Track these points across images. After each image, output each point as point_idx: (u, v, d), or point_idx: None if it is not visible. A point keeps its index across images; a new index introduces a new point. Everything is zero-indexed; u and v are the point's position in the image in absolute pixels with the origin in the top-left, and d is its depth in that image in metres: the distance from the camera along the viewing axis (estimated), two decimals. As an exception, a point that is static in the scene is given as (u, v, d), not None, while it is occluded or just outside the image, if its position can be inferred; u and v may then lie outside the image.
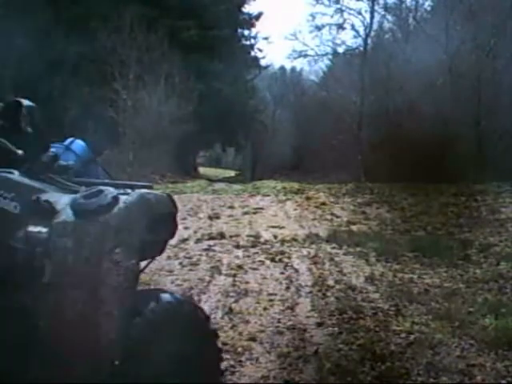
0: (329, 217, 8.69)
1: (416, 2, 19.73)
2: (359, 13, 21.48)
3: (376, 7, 21.00)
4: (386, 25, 21.80)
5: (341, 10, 21.69)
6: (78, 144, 2.50)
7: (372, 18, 21.10)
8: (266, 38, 26.04)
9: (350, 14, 21.69)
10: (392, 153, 14.11)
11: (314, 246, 6.35)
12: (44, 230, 1.56)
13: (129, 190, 1.68)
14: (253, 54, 26.11)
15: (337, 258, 5.75)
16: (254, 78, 26.81)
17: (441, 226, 7.46)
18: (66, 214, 1.56)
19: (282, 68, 35.38)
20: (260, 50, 26.19)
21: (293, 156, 22.66)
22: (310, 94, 26.23)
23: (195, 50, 20.20)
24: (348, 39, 22.49)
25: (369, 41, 21.28)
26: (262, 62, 27.12)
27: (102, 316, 1.47)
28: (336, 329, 3.55)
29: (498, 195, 10.02)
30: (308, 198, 11.02)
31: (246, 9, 25.18)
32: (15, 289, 1.48)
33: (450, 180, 11.79)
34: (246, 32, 25.67)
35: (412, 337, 3.38)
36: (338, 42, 22.78)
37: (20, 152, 1.68)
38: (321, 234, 7.05)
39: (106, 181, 1.97)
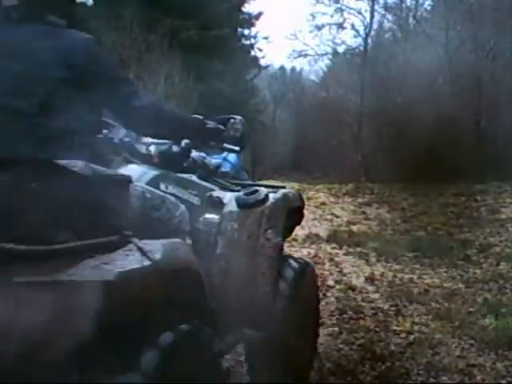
0: (329, 217, 8.69)
1: (416, 2, 19.73)
2: (359, 12, 21.48)
3: (376, 7, 21.00)
4: (386, 24, 21.80)
5: (341, 10, 21.70)
6: (233, 156, 3.52)
7: (372, 17, 21.10)
8: (265, 38, 26.09)
9: (350, 13, 21.70)
10: (392, 153, 14.12)
11: (314, 246, 6.36)
12: (216, 217, 2.23)
13: (269, 189, 2.39)
14: (253, 53, 26.11)
15: (337, 258, 5.75)
16: (253, 77, 26.79)
17: (441, 226, 7.46)
18: (232, 206, 2.23)
19: (282, 68, 35.40)
20: (260, 50, 26.18)
21: (293, 156, 22.66)
22: (310, 93, 26.23)
23: (195, 49, 20.20)
24: (348, 39, 22.59)
25: (369, 40, 21.27)
26: (262, 62, 27.11)
27: (259, 275, 2.15)
28: (336, 329, 3.55)
29: (498, 195, 10.02)
30: (308, 198, 11.02)
31: (246, 8, 25.18)
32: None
33: (450, 180, 11.79)
34: (246, 32, 25.67)
35: (412, 337, 3.38)
36: (338, 41, 22.84)
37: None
38: (321, 234, 7.05)
39: (257, 183, 2.82)
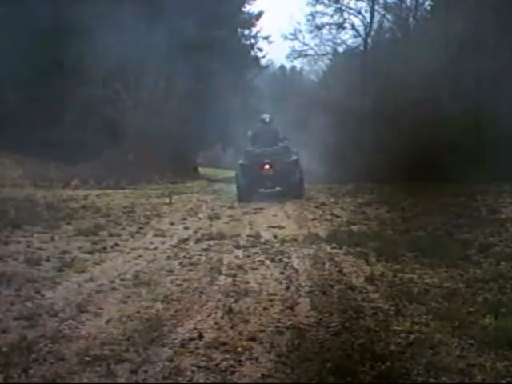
0: (329, 217, 8.68)
1: (416, 2, 19.74)
2: (359, 12, 21.49)
3: (376, 7, 21.03)
4: (386, 24, 21.82)
5: (341, 10, 21.71)
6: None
7: (372, 17, 21.11)
8: (266, 38, 26.05)
9: (349, 13, 21.71)
10: (392, 153, 14.11)
11: (313, 246, 6.35)
12: None
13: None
14: (253, 53, 26.10)
15: (337, 258, 5.74)
16: (254, 77, 26.78)
17: (441, 226, 7.44)
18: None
19: (282, 67, 35.39)
20: (260, 50, 26.20)
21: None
22: (310, 93, 26.21)
23: (195, 49, 20.18)
24: (348, 39, 22.44)
25: (369, 40, 21.28)
26: (262, 62, 27.12)
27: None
28: (336, 329, 3.55)
29: (498, 195, 10.02)
30: (308, 199, 11.03)
31: (247, 8, 25.19)
32: None
33: (450, 180, 11.78)
34: (247, 31, 25.67)
35: (412, 337, 3.37)
36: (338, 41, 22.78)
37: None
38: (321, 234, 7.04)
39: None
